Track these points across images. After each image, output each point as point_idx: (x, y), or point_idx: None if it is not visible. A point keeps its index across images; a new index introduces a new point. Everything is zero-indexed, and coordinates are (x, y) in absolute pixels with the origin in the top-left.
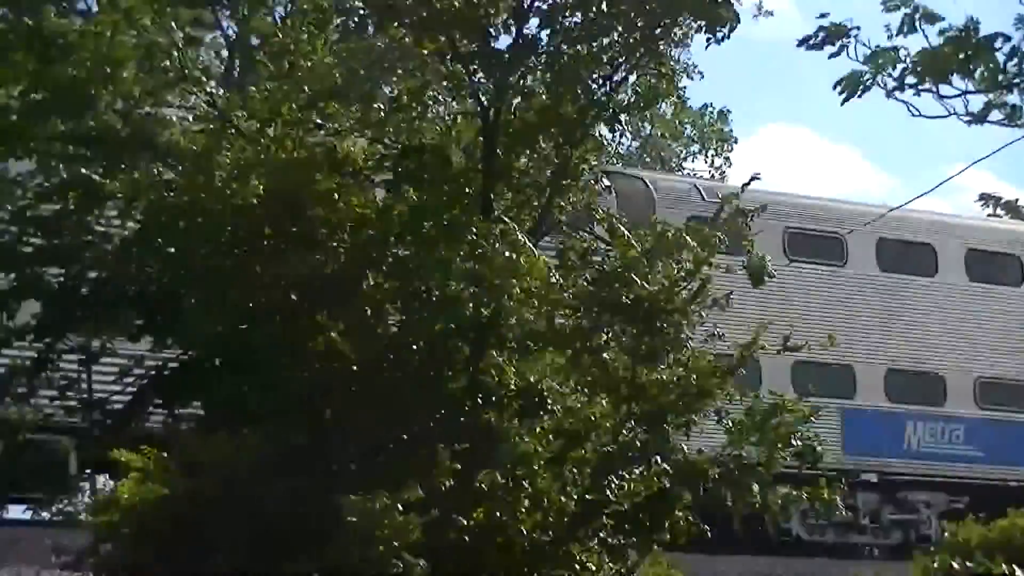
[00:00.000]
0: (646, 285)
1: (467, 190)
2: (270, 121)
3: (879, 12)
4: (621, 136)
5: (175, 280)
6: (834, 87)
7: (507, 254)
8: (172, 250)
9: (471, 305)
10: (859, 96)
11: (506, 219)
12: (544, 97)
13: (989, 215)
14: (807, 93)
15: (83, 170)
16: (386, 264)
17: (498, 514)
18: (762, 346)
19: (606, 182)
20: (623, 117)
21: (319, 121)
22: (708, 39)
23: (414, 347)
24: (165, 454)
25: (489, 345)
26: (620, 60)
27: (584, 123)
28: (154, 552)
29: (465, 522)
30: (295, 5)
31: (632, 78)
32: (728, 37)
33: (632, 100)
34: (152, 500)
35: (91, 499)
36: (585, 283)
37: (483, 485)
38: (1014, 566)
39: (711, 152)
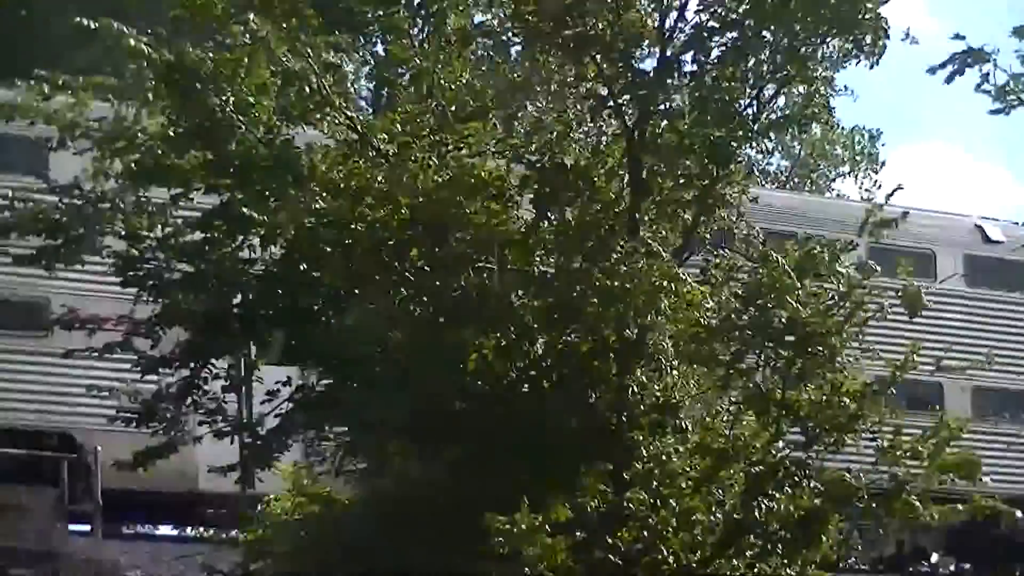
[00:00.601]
0: (799, 307)
1: (613, 210)
2: (410, 143)
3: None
4: (771, 155)
5: (321, 303)
6: (976, 89)
7: (654, 273)
8: (317, 275)
9: (616, 324)
10: (1006, 114)
11: (650, 241)
12: (688, 119)
13: None
14: (963, 112)
15: (226, 196)
16: (532, 284)
17: (645, 534)
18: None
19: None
20: (771, 137)
21: (459, 141)
22: (859, 60)
23: (561, 365)
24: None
25: (635, 363)
26: (766, 80)
27: (730, 143)
28: (306, 568)
29: (612, 542)
30: (436, 30)
31: (781, 100)
32: (877, 63)
33: (780, 119)
34: (308, 516)
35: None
36: (731, 301)
37: (629, 505)
38: None
39: (859, 173)
